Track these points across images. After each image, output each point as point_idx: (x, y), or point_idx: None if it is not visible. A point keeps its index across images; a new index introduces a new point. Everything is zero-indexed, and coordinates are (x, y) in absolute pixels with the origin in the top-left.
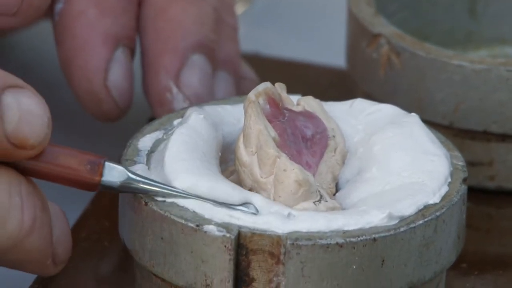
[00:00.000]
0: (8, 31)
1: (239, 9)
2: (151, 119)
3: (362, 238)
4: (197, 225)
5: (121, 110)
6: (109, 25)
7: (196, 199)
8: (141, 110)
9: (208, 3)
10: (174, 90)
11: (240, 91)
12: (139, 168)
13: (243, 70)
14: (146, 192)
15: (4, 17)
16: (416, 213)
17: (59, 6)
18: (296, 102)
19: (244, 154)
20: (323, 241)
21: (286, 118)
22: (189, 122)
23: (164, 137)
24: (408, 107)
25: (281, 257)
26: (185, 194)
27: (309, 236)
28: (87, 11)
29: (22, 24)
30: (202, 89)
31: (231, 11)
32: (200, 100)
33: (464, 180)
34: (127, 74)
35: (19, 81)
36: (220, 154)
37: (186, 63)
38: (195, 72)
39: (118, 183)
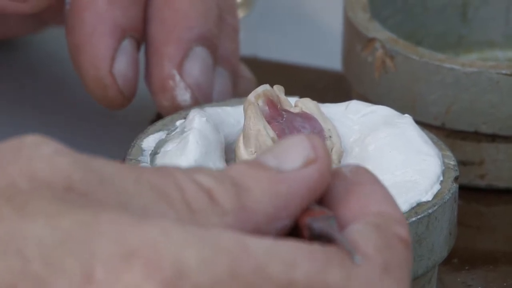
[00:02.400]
0: (21, 33)
1: (239, 14)
2: (154, 120)
3: None
4: None
5: (126, 98)
6: (118, 16)
7: None
8: (145, 112)
9: (213, 0)
10: (177, 77)
11: (237, 89)
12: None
13: (241, 70)
14: None
15: (16, 2)
16: (409, 210)
17: None
18: (294, 103)
19: (244, 153)
20: None
21: (284, 119)
22: (195, 125)
23: (167, 138)
24: (401, 109)
25: None
26: None
27: None
28: (96, 1)
29: (32, 10)
30: (203, 79)
31: (233, 12)
32: (201, 89)
33: (456, 178)
34: (133, 64)
35: None
36: (224, 155)
37: (189, 53)
38: (197, 62)
39: None
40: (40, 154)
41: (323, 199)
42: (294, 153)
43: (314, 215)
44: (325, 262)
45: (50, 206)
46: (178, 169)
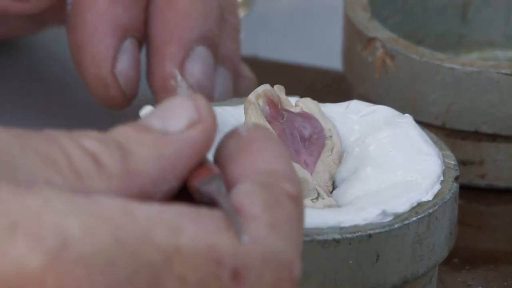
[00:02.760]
0: (23, 34)
1: (239, 14)
2: None
3: (358, 234)
4: None
5: (127, 98)
6: (119, 16)
7: None
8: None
9: (214, 0)
10: (178, 77)
11: (238, 88)
12: None
13: (242, 69)
14: None
15: (18, 2)
16: (410, 210)
17: None
18: (294, 103)
19: None
20: (321, 237)
21: (284, 119)
22: None
23: None
24: (402, 108)
25: None
26: None
27: (307, 232)
28: (98, 1)
29: (34, 10)
30: (204, 78)
31: (234, 12)
32: (202, 89)
33: (456, 178)
34: (134, 63)
35: None
36: None
37: (190, 53)
38: (199, 62)
39: None
40: None
41: (216, 158)
42: (178, 115)
43: (201, 174)
44: (212, 226)
45: None
46: (63, 133)
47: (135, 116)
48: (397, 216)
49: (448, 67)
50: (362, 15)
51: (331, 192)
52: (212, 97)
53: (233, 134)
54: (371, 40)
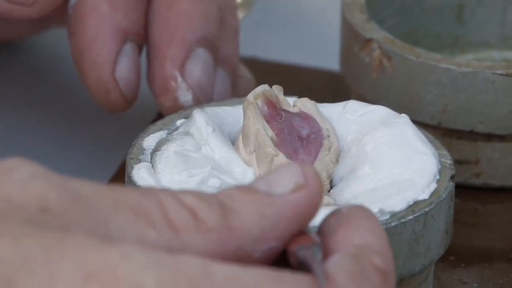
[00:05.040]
0: (24, 35)
1: (239, 15)
2: (155, 120)
3: None
4: None
5: (128, 102)
6: (120, 20)
7: None
8: (146, 111)
9: (213, 2)
10: (179, 79)
11: (236, 89)
12: (144, 166)
13: (240, 70)
14: None
15: (22, 6)
16: (406, 209)
17: (73, 0)
18: (293, 103)
19: (243, 153)
20: None
21: (283, 118)
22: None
23: (169, 137)
24: (398, 108)
25: None
26: None
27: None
28: (99, 5)
29: (37, 14)
30: (204, 80)
31: (234, 13)
32: (202, 90)
33: (452, 177)
34: (134, 67)
35: None
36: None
37: (191, 55)
38: (199, 63)
39: None
40: (16, 178)
41: (319, 232)
42: (284, 179)
43: (301, 242)
44: None
45: (18, 228)
46: (162, 190)
47: (135, 118)
48: (393, 215)
49: (444, 67)
50: (359, 16)
51: (328, 191)
52: (211, 99)
53: (335, 211)
54: (368, 41)
